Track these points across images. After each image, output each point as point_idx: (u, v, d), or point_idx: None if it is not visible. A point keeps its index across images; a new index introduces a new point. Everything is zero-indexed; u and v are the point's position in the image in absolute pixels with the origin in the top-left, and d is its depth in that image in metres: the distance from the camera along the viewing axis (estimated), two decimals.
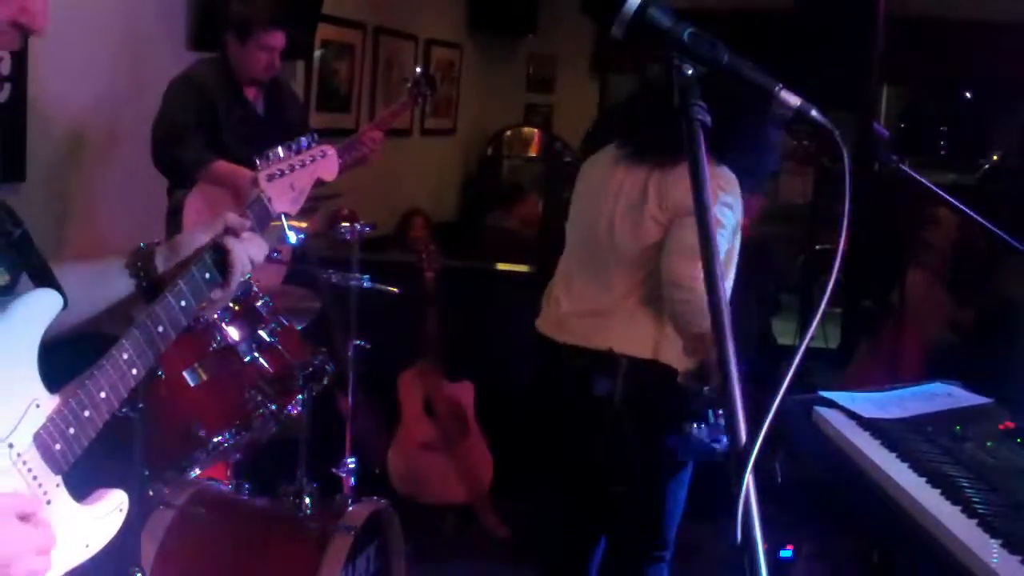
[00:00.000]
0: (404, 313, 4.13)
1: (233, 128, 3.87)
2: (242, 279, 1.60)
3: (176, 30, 4.48)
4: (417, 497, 4.25)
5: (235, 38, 3.82)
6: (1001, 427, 2.34)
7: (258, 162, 1.76)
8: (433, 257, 4.42)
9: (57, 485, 1.38)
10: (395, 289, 3.30)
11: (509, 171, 8.30)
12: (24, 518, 1.30)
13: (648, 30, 1.14)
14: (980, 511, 1.85)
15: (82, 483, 1.44)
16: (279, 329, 2.77)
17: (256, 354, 2.69)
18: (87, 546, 1.43)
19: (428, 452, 4.33)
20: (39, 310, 1.36)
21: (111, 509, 1.47)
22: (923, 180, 2.83)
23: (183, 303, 1.50)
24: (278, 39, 3.83)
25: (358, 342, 3.29)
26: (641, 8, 1.13)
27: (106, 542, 1.46)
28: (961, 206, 2.85)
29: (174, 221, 3.77)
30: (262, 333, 2.71)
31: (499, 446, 4.43)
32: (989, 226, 2.69)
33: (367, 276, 3.23)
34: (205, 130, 3.79)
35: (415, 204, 6.17)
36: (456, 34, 7.54)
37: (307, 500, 2.83)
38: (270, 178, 1.74)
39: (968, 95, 8.22)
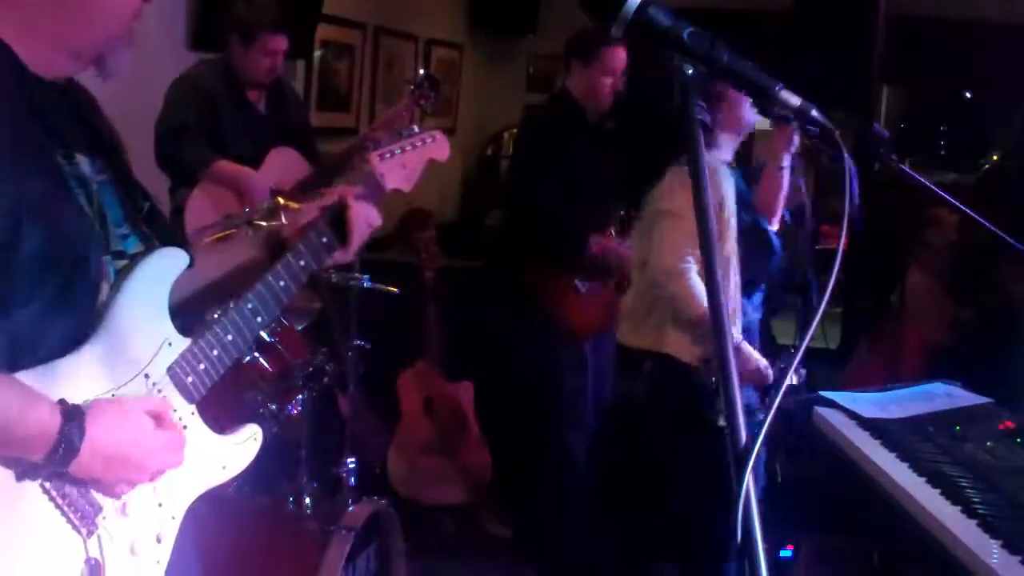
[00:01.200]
0: (404, 313, 4.13)
1: (235, 129, 3.88)
2: (362, 243, 1.79)
3: (176, 30, 4.47)
4: (417, 497, 4.24)
5: (238, 41, 3.82)
6: (1001, 427, 2.34)
7: (370, 145, 1.94)
8: (433, 257, 4.42)
9: (192, 413, 1.55)
10: (395, 289, 3.30)
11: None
12: (155, 418, 1.44)
13: (648, 30, 1.13)
14: (980, 511, 1.85)
15: None
16: (279, 329, 2.77)
17: (256, 354, 2.69)
18: (224, 467, 1.61)
19: (428, 452, 4.32)
20: (168, 263, 1.53)
21: (247, 437, 1.65)
22: (923, 180, 2.82)
23: (302, 263, 1.70)
24: (281, 43, 3.83)
25: (358, 342, 3.29)
26: (641, 7, 1.12)
27: (243, 467, 1.64)
28: (961, 206, 2.85)
29: (176, 220, 3.77)
30: (262, 333, 2.71)
31: (499, 446, 4.43)
32: (989, 226, 2.69)
33: (367, 276, 3.23)
34: (207, 130, 3.80)
35: (415, 204, 6.16)
36: (456, 34, 7.53)
37: (307, 500, 2.83)
38: (382, 158, 1.91)
39: (968, 95, 8.21)
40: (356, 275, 3.21)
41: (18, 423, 1.29)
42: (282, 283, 1.66)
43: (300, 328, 2.99)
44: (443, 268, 4.48)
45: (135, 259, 1.51)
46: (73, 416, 1.33)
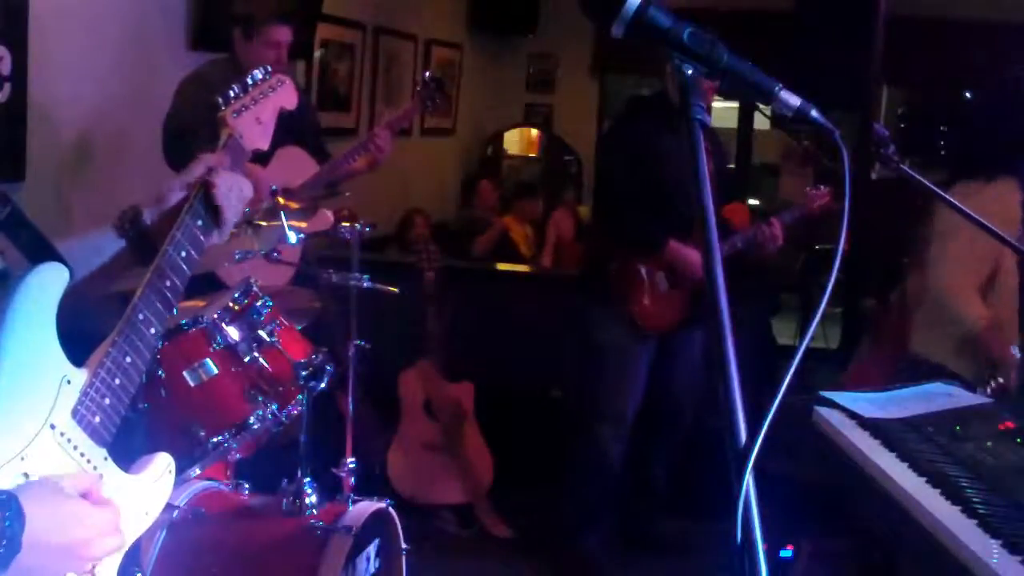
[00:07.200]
0: (404, 313, 4.13)
1: None
2: (236, 220, 1.58)
3: (176, 30, 4.48)
4: (417, 497, 4.25)
5: (241, 35, 3.83)
6: (1001, 427, 2.34)
7: (220, 101, 1.74)
8: (433, 257, 4.42)
9: (105, 458, 1.37)
10: (395, 289, 3.30)
11: (509, 171, 8.30)
12: (85, 496, 1.27)
13: (648, 30, 1.14)
14: (980, 511, 1.85)
15: None
16: (279, 329, 2.76)
17: (256, 354, 2.69)
18: (147, 514, 1.43)
19: (428, 452, 4.33)
20: (49, 285, 1.33)
21: (161, 473, 1.47)
22: (923, 180, 2.82)
23: (183, 253, 1.49)
24: (283, 34, 3.84)
25: (358, 342, 3.28)
26: (641, 8, 1.12)
27: (163, 505, 1.46)
28: (960, 206, 2.85)
29: None
30: (262, 333, 2.71)
31: (499, 446, 4.43)
32: (989, 226, 2.69)
33: (367, 276, 3.23)
34: (216, 128, 3.80)
35: (415, 204, 6.16)
36: (456, 34, 7.54)
37: (307, 500, 2.83)
38: (236, 114, 1.72)
39: (968, 95, 8.21)
40: (356, 275, 3.22)
41: None
42: (168, 283, 1.45)
43: (300, 328, 2.99)
44: (443, 268, 4.48)
45: (11, 283, 1.30)
46: (11, 513, 1.13)
